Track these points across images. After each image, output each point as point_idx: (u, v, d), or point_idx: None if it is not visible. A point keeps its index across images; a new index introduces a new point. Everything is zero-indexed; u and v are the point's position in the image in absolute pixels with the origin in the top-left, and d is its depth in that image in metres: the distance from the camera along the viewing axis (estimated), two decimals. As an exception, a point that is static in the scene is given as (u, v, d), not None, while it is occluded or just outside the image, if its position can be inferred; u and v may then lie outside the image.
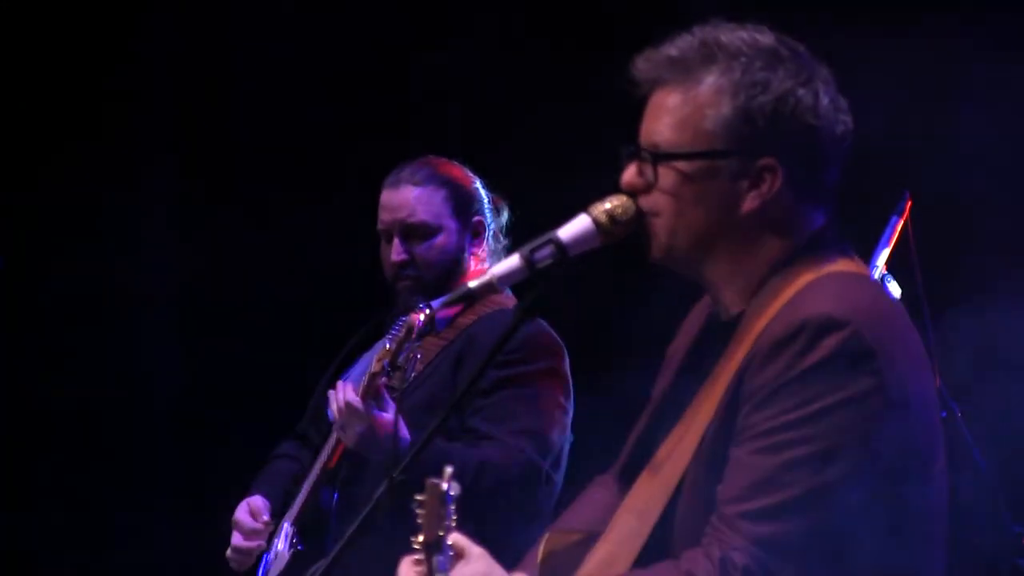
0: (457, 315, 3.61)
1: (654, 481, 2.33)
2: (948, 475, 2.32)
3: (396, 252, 3.62)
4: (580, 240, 2.35)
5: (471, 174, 3.71)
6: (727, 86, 2.30)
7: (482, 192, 3.70)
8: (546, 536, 2.49)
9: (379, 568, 3.33)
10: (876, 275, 3.29)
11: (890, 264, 3.33)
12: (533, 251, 2.35)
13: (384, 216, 3.65)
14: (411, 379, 3.47)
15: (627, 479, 2.45)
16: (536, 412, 3.46)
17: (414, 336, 3.33)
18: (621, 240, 2.36)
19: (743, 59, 2.30)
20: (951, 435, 3.41)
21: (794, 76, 2.31)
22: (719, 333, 2.38)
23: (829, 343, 2.20)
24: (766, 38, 2.33)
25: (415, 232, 3.62)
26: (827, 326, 2.21)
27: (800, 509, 2.18)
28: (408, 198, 3.62)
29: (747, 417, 2.23)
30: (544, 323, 3.59)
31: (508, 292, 3.64)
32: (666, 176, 2.32)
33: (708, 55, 2.31)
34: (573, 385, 3.61)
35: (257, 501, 3.67)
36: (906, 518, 2.25)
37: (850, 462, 2.19)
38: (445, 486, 2.16)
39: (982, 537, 3.56)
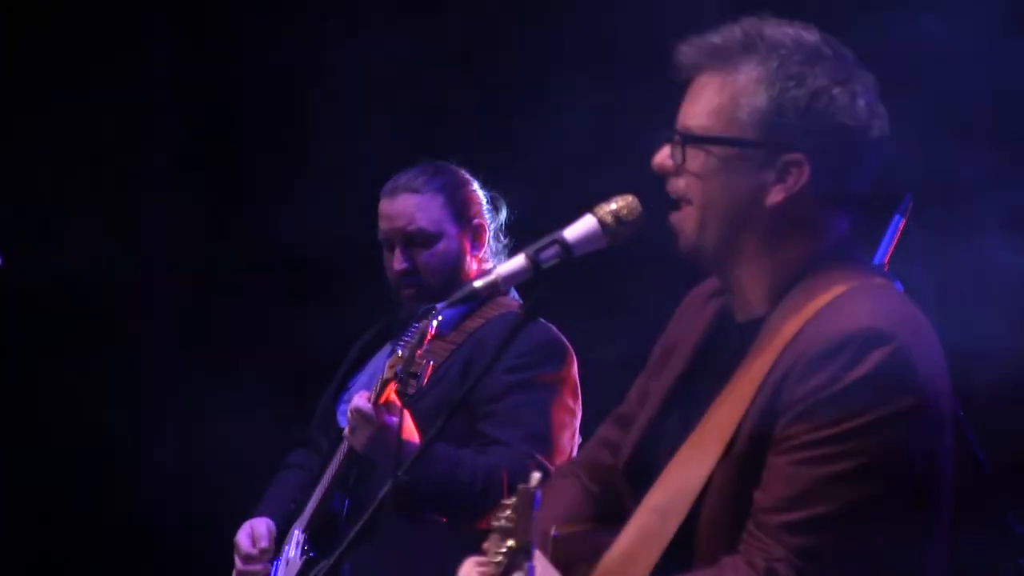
0: (464, 318, 3.63)
1: (678, 480, 2.32)
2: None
3: (398, 261, 3.63)
4: (585, 240, 2.38)
5: (468, 176, 3.73)
6: (764, 76, 2.32)
7: (481, 194, 3.71)
8: (550, 538, 2.45)
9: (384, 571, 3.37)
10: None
11: (891, 262, 3.32)
12: (538, 251, 2.37)
13: (383, 225, 3.67)
14: (422, 384, 3.48)
15: (635, 473, 2.45)
16: (546, 417, 3.47)
17: (427, 342, 3.36)
18: (626, 241, 2.39)
19: (783, 51, 2.32)
20: (955, 435, 3.37)
21: (831, 74, 2.32)
22: (737, 333, 2.38)
23: (874, 357, 2.20)
24: (811, 36, 2.35)
25: (415, 240, 3.63)
26: (872, 340, 2.21)
27: (840, 522, 2.19)
28: (406, 206, 3.64)
29: (788, 427, 2.23)
30: (553, 327, 3.61)
31: (515, 295, 3.65)
32: (695, 160, 2.35)
33: (749, 45, 2.34)
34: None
35: (260, 526, 3.68)
36: (927, 532, 2.29)
37: (889, 479, 2.21)
38: (534, 488, 2.15)
39: (985, 538, 3.52)
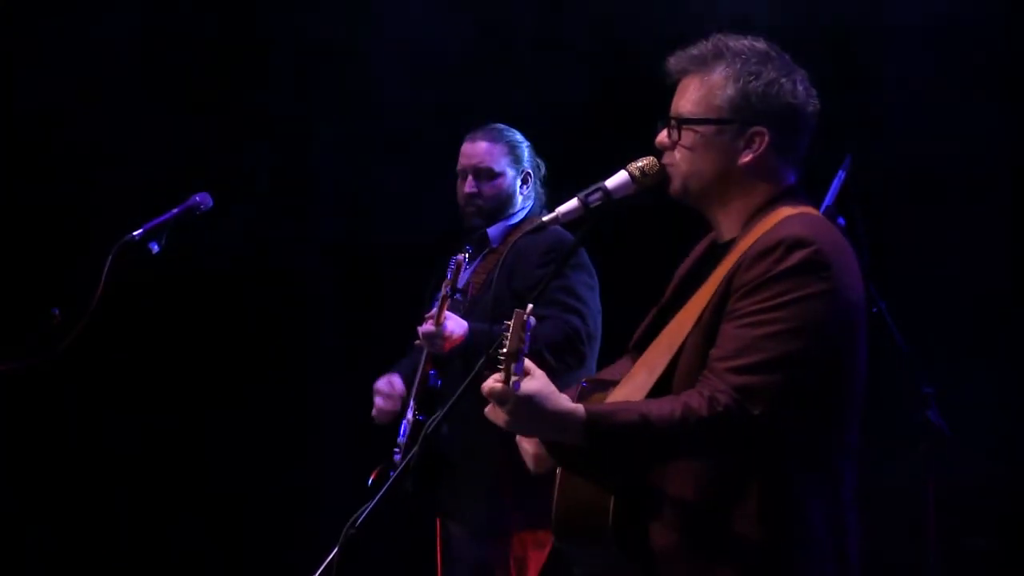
0: (508, 234, 4.79)
1: (662, 346, 2.92)
2: (870, 354, 2.93)
3: (469, 186, 4.81)
4: (620, 188, 3.06)
5: (524, 139, 4.86)
6: (732, 74, 2.93)
7: (530, 152, 4.84)
8: (583, 380, 3.10)
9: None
10: (828, 212, 4.02)
11: (838, 205, 4.13)
12: (587, 195, 3.07)
13: (463, 160, 4.85)
14: (468, 295, 4.63)
15: (640, 348, 3.04)
16: (573, 294, 4.55)
17: (464, 268, 4.46)
18: (649, 188, 3.06)
19: (744, 56, 2.94)
20: (880, 324, 4.20)
21: (779, 70, 2.95)
22: (716, 253, 3.00)
23: (798, 255, 2.79)
24: (761, 44, 2.99)
25: (483, 174, 4.79)
26: (797, 243, 2.80)
27: (771, 367, 2.76)
28: (481, 149, 4.80)
29: (735, 303, 2.82)
30: (568, 234, 4.55)
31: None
32: (686, 137, 2.96)
33: (719, 53, 2.96)
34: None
35: (395, 377, 4.83)
36: (836, 392, 2.85)
37: (808, 339, 2.77)
38: (526, 316, 2.75)
39: (901, 396, 4.33)
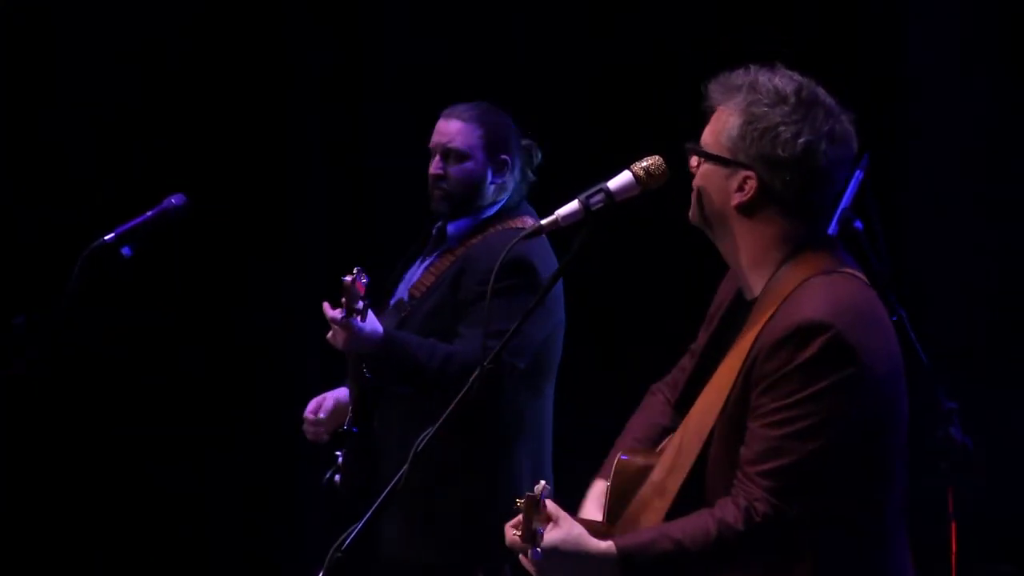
0: (470, 235, 4.51)
1: (692, 429, 2.90)
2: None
3: (434, 166, 4.53)
4: (624, 189, 3.00)
5: (510, 122, 4.58)
6: (738, 112, 2.89)
7: (514, 138, 4.55)
8: (616, 459, 3.04)
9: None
10: (844, 215, 4.02)
11: (855, 207, 4.04)
12: (588, 197, 3.00)
13: (434, 137, 4.57)
14: (425, 290, 4.41)
15: (681, 410, 3.04)
16: (508, 316, 4.02)
17: (353, 294, 4.15)
18: (654, 190, 3.01)
19: (759, 95, 2.87)
20: (901, 336, 4.09)
21: (786, 116, 2.85)
22: (743, 310, 2.95)
23: (817, 342, 2.76)
24: (789, 86, 2.88)
25: (451, 155, 4.48)
26: (814, 329, 2.77)
27: (802, 467, 2.76)
28: (452, 128, 4.50)
29: (758, 398, 2.80)
30: (528, 249, 4.29)
31: (526, 218, 4.49)
32: (701, 166, 2.96)
33: (738, 87, 2.90)
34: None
35: (329, 401, 4.58)
36: (876, 461, 2.85)
37: (836, 431, 2.76)
38: (537, 494, 2.76)
39: (922, 412, 3.96)
